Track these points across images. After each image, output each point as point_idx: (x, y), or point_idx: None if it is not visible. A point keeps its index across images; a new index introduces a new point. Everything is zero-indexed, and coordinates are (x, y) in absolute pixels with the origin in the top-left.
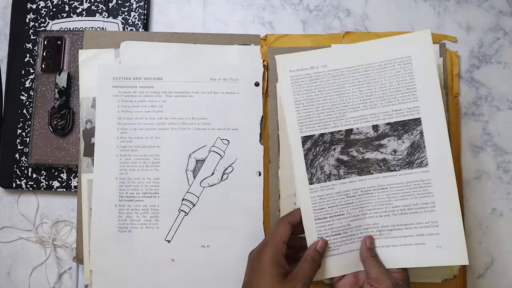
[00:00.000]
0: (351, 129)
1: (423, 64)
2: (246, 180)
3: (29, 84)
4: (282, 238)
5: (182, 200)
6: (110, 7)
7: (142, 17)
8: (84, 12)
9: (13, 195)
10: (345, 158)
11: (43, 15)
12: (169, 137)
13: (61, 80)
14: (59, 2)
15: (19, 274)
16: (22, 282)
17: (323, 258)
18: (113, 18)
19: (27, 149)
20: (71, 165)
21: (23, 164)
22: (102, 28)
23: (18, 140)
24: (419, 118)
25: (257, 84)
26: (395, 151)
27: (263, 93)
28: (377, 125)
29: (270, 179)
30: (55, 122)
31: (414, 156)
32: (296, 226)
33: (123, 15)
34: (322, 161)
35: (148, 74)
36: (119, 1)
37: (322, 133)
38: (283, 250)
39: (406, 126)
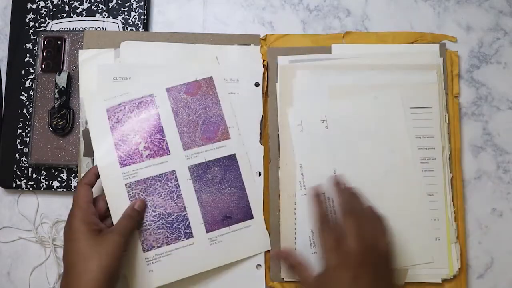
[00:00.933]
0: None
1: None
2: None
3: (29, 84)
4: (84, 199)
5: None
6: (110, 7)
7: (142, 17)
8: (84, 12)
9: (13, 195)
10: None
11: (43, 15)
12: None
13: (61, 80)
14: (59, 2)
15: (19, 274)
16: (22, 282)
17: (141, 217)
18: (113, 18)
19: (27, 149)
20: (71, 165)
21: (23, 164)
22: (102, 28)
23: (18, 140)
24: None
25: (257, 85)
26: None
27: (263, 93)
28: None
29: (270, 179)
30: (55, 122)
31: None
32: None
33: (123, 15)
34: None
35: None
36: (119, 1)
37: None
38: (90, 209)
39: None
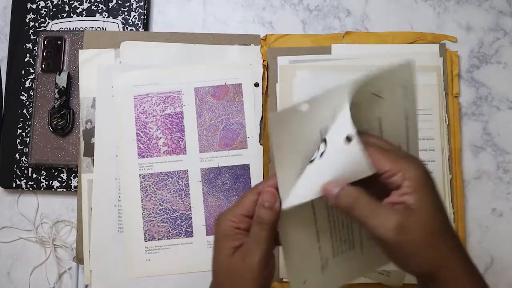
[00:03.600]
0: None
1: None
2: None
3: (29, 84)
4: (239, 210)
5: None
6: (110, 7)
7: (142, 17)
8: (84, 12)
9: (13, 195)
10: None
11: (43, 15)
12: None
13: (61, 80)
14: (59, 2)
15: (19, 274)
16: (22, 282)
17: (276, 216)
18: (113, 18)
19: (27, 149)
20: (71, 165)
21: (23, 164)
22: (102, 28)
23: (18, 140)
24: None
25: (257, 85)
26: None
27: (263, 93)
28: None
29: None
30: (55, 122)
31: None
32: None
33: (123, 15)
34: None
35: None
36: (119, 1)
37: None
38: (236, 221)
39: None
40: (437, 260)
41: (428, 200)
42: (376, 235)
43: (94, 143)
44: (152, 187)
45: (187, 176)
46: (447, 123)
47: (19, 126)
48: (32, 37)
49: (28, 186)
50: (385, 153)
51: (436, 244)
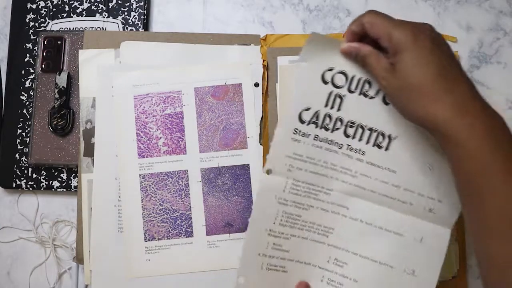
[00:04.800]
0: None
1: None
2: None
3: (29, 84)
4: None
5: None
6: (110, 7)
7: (142, 17)
8: (84, 12)
9: (13, 195)
10: None
11: (43, 15)
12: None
13: (61, 80)
14: (59, 2)
15: (19, 274)
16: (22, 282)
17: None
18: (113, 18)
19: (27, 149)
20: (71, 165)
21: (23, 164)
22: (102, 28)
23: (18, 140)
24: None
25: (257, 85)
26: None
27: (263, 93)
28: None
29: None
30: (55, 122)
31: None
32: None
33: (123, 15)
34: None
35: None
36: (119, 1)
37: None
38: None
39: None
40: (434, 113)
41: (412, 56)
42: (374, 74)
43: (94, 143)
44: (152, 187)
45: (187, 176)
46: None
47: (19, 126)
48: (32, 37)
49: (28, 186)
50: (387, 22)
51: (426, 94)
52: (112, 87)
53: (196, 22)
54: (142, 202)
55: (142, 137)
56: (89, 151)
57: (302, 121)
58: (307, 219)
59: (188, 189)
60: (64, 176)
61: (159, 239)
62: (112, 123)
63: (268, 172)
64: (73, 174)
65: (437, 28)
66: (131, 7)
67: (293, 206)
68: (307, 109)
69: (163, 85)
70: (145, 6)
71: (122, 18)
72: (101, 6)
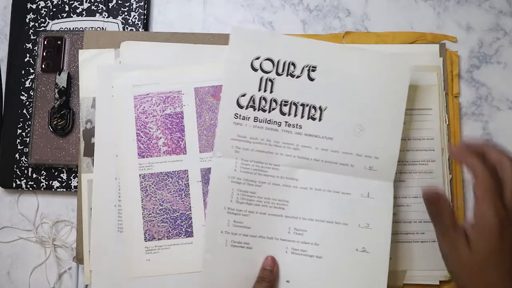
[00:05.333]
0: None
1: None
2: None
3: (29, 84)
4: None
5: None
6: (110, 7)
7: (142, 17)
8: (84, 12)
9: (13, 195)
10: None
11: (43, 15)
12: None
13: (61, 80)
14: (59, 2)
15: (19, 274)
16: (22, 282)
17: (275, 276)
18: (113, 18)
19: (27, 149)
20: (71, 165)
21: (23, 164)
22: (102, 28)
23: (18, 140)
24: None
25: None
26: None
27: None
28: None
29: None
30: (55, 122)
31: None
32: None
33: (123, 15)
34: None
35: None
36: (119, 1)
37: None
38: None
39: None
40: None
41: (483, 241)
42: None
43: (94, 143)
44: (152, 187)
45: (187, 176)
46: (447, 123)
47: (19, 126)
48: (32, 37)
49: (28, 186)
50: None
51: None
52: (112, 87)
53: (196, 22)
54: (142, 202)
55: (142, 137)
56: (89, 151)
57: (240, 106)
58: (261, 195)
59: (188, 189)
60: (64, 176)
61: (159, 239)
62: (112, 123)
63: (218, 155)
64: (73, 174)
65: (437, 28)
66: (131, 7)
67: (246, 183)
68: (243, 95)
69: (163, 85)
70: (145, 6)
71: (122, 18)
72: (101, 6)
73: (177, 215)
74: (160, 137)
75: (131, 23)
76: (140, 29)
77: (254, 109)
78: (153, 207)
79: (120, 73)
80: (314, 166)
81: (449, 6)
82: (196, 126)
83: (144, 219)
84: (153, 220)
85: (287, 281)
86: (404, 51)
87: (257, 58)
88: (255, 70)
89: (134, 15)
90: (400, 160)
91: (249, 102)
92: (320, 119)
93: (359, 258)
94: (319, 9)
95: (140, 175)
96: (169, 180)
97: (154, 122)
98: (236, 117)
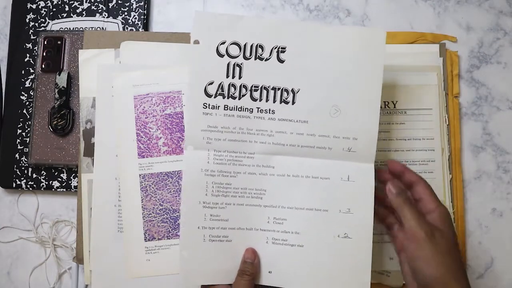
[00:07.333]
0: None
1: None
2: None
3: (29, 84)
4: None
5: None
6: (110, 7)
7: (142, 17)
8: (84, 12)
9: (13, 195)
10: None
11: (43, 15)
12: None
13: (61, 80)
14: (59, 2)
15: (19, 274)
16: (22, 282)
17: (256, 269)
18: (113, 18)
19: (27, 149)
20: (71, 165)
21: (23, 164)
22: (102, 28)
23: (18, 140)
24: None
25: None
26: None
27: None
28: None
29: None
30: (55, 122)
31: None
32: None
33: (123, 15)
34: None
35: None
36: (119, 1)
37: None
38: None
39: None
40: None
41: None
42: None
43: (94, 143)
44: (152, 187)
45: None
46: (447, 123)
47: (19, 126)
48: (32, 37)
49: (28, 186)
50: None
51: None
52: (112, 87)
53: None
54: (142, 202)
55: (142, 137)
56: (89, 151)
57: (208, 95)
58: (237, 186)
59: None
60: (64, 176)
61: (159, 239)
62: (112, 123)
63: (189, 148)
64: (73, 174)
65: (437, 28)
66: (131, 7)
67: (220, 175)
68: (211, 83)
69: (163, 85)
70: (145, 6)
71: (122, 18)
72: (101, 6)
73: (177, 215)
74: (160, 137)
75: (131, 23)
76: (140, 29)
77: (224, 97)
78: (153, 207)
79: (120, 73)
80: (290, 151)
81: (449, 6)
82: None
83: (144, 219)
84: (153, 220)
85: (269, 272)
86: (404, 51)
87: (223, 43)
88: (221, 55)
89: (134, 15)
90: (400, 160)
91: (217, 90)
92: (293, 102)
93: (342, 244)
94: (319, 9)
95: (140, 175)
96: (169, 180)
97: (154, 122)
98: (205, 107)
